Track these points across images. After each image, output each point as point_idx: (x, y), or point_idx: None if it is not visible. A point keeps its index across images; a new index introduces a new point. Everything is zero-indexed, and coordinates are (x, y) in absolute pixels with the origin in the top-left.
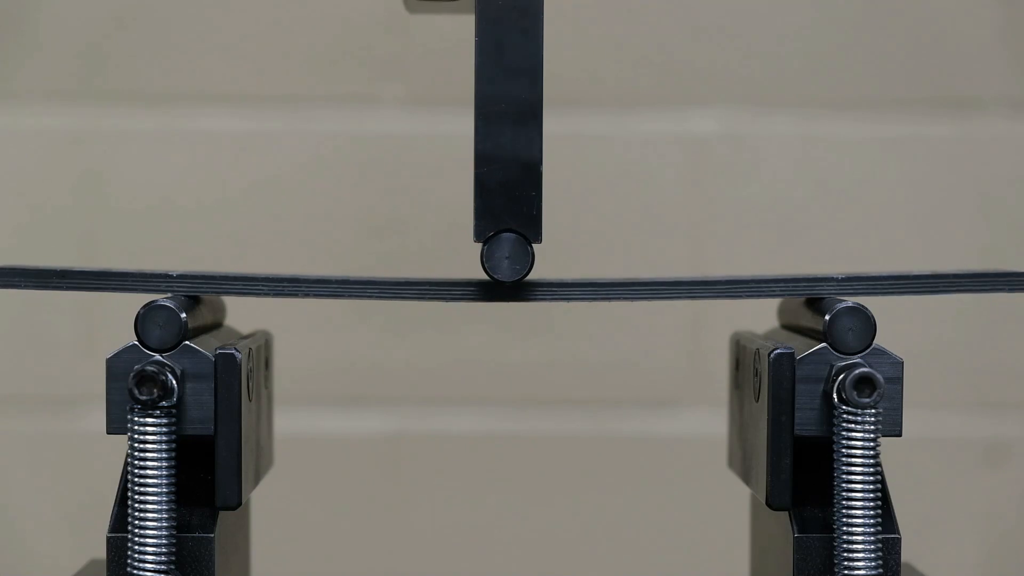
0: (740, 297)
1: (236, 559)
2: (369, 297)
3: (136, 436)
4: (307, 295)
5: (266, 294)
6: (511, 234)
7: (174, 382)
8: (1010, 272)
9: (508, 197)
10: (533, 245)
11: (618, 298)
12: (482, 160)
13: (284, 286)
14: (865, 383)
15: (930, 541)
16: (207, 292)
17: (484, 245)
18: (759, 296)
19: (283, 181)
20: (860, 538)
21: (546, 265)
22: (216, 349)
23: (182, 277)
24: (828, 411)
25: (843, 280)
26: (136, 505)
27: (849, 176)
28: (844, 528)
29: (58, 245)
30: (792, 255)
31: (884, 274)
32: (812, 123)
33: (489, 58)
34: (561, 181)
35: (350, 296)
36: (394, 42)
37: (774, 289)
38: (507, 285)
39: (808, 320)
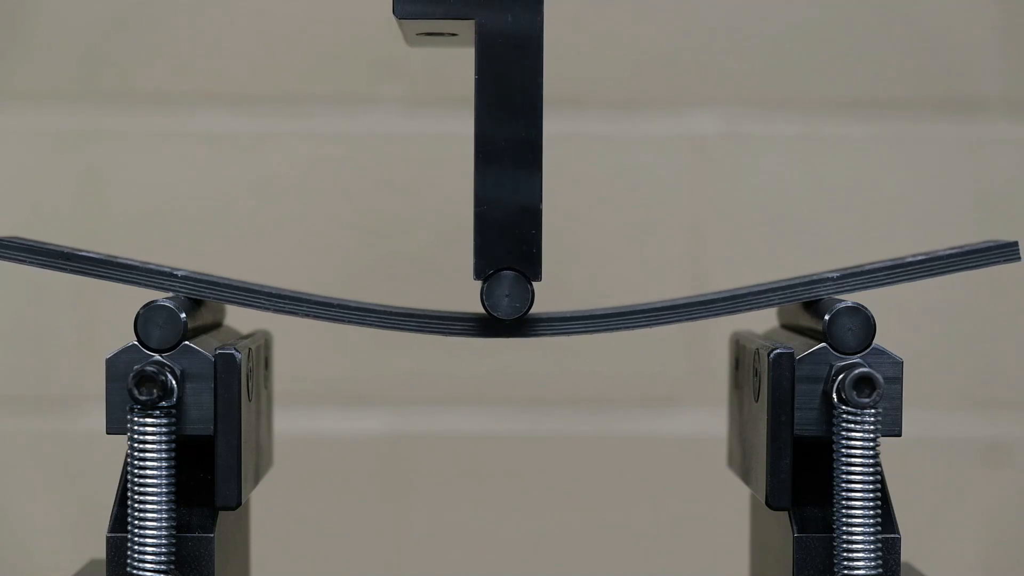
0: (739, 312)
1: (236, 559)
2: (369, 325)
3: (136, 436)
4: (307, 315)
5: (266, 308)
6: (511, 272)
7: (174, 382)
8: (1003, 243)
9: (508, 236)
10: (533, 283)
11: (617, 328)
12: (482, 199)
13: (285, 303)
14: (865, 383)
15: (930, 541)
16: (208, 297)
17: (484, 283)
18: (757, 308)
19: (283, 181)
20: (860, 538)
21: (546, 264)
22: (216, 349)
23: (185, 278)
24: (828, 411)
25: (840, 278)
26: (136, 505)
27: (849, 176)
28: (844, 528)
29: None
30: (792, 255)
31: (879, 265)
32: (812, 123)
33: (489, 97)
34: (561, 181)
35: (350, 322)
36: (394, 42)
37: (772, 299)
38: (506, 322)
39: (807, 320)
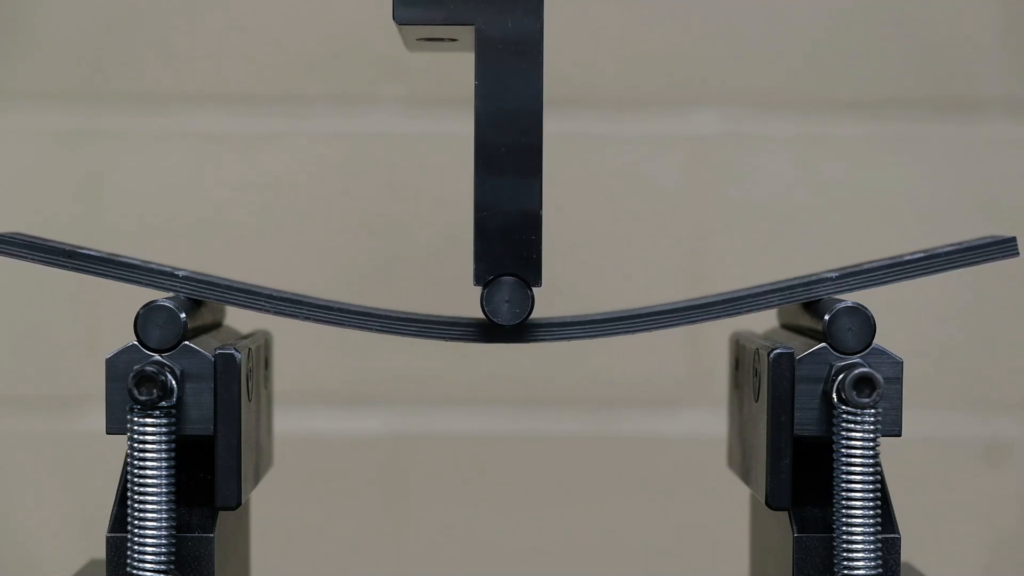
0: (738, 314)
1: (236, 559)
2: (369, 329)
3: (136, 436)
4: (307, 318)
5: (267, 310)
6: (511, 278)
7: (173, 382)
8: (1001, 239)
9: (508, 242)
10: (533, 288)
11: (617, 333)
12: (482, 205)
13: (286, 306)
14: (864, 383)
15: (930, 541)
16: (209, 298)
17: (484, 288)
18: (757, 309)
19: (283, 181)
20: (860, 538)
21: (545, 265)
22: (216, 349)
23: (187, 279)
24: (828, 411)
25: (839, 278)
26: (136, 505)
27: (849, 176)
28: (844, 528)
29: None
30: (792, 255)
31: (878, 264)
32: (812, 123)
33: (488, 102)
34: (561, 181)
35: (350, 326)
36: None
37: (771, 300)
38: (507, 327)
39: (807, 320)
